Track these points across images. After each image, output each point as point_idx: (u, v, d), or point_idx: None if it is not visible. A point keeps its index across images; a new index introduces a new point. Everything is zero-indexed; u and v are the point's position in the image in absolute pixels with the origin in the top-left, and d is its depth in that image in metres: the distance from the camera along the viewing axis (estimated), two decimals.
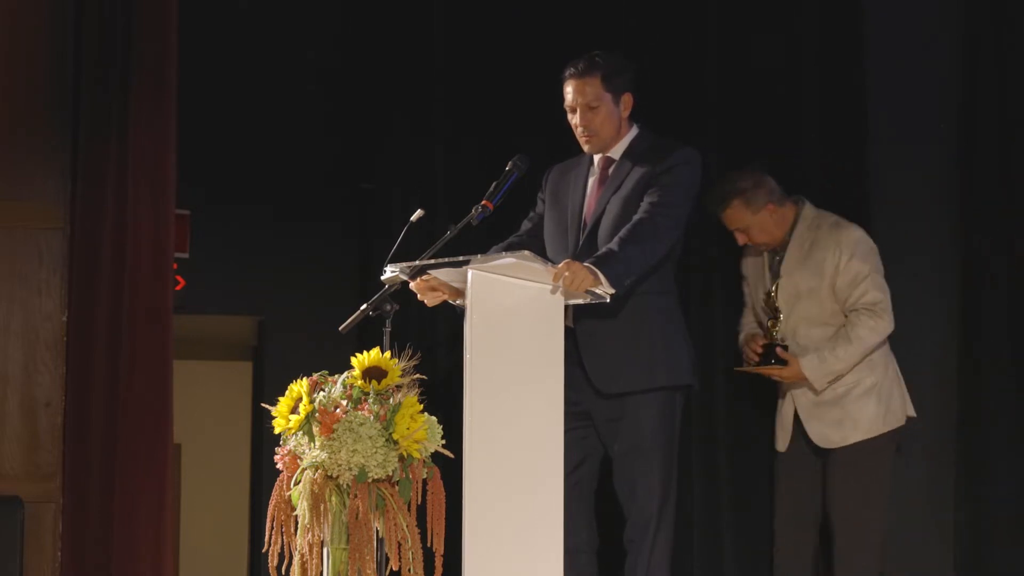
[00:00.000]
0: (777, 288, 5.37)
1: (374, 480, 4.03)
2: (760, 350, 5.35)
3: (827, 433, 5.31)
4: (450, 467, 4.23)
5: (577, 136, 4.82)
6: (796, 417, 5.36)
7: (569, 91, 4.79)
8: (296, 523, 4.09)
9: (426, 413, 4.11)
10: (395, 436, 4.04)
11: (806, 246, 5.37)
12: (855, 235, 5.33)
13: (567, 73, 4.80)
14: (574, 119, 4.81)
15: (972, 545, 5.70)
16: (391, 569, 4.05)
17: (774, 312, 5.37)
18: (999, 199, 5.89)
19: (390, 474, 4.04)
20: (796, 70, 6.02)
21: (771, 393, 5.95)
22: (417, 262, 4.43)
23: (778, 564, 5.43)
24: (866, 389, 5.31)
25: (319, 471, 4.04)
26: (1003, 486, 5.77)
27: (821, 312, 5.34)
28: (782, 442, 5.41)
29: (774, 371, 5.32)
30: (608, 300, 4.44)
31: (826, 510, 5.35)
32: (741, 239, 5.42)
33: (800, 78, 6.02)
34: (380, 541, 4.08)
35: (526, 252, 4.28)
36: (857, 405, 5.30)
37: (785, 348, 5.32)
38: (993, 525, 5.75)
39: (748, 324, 5.57)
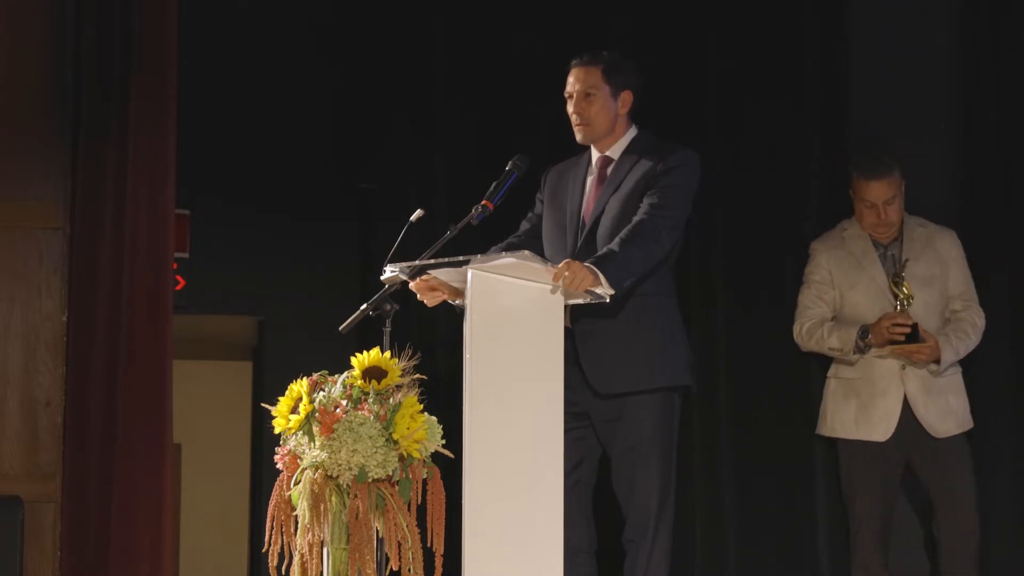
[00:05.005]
0: (905, 271, 5.42)
1: (374, 480, 4.03)
2: (906, 329, 5.34)
3: (934, 423, 5.40)
4: (450, 467, 4.23)
5: (572, 125, 4.83)
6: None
7: (570, 78, 4.82)
8: (296, 523, 4.08)
9: (426, 413, 4.11)
10: (395, 436, 4.03)
11: (923, 238, 5.51)
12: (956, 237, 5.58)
13: (572, 62, 4.83)
14: (570, 107, 4.82)
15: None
16: (391, 569, 4.05)
17: (905, 295, 5.39)
18: (999, 199, 5.89)
19: (390, 474, 4.04)
20: (796, 71, 6.02)
21: (772, 394, 5.95)
22: (417, 262, 4.42)
23: (864, 552, 5.46)
24: (959, 384, 5.48)
25: (319, 471, 4.04)
26: (1004, 488, 5.77)
27: (940, 299, 5.49)
28: (884, 431, 5.41)
29: (912, 348, 5.35)
30: (608, 300, 4.44)
31: (928, 497, 5.47)
32: (873, 217, 5.47)
33: (800, 79, 6.02)
34: (380, 541, 4.08)
35: (526, 252, 4.28)
36: (957, 398, 5.46)
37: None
38: (994, 526, 5.75)
39: (818, 315, 5.55)
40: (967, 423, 5.48)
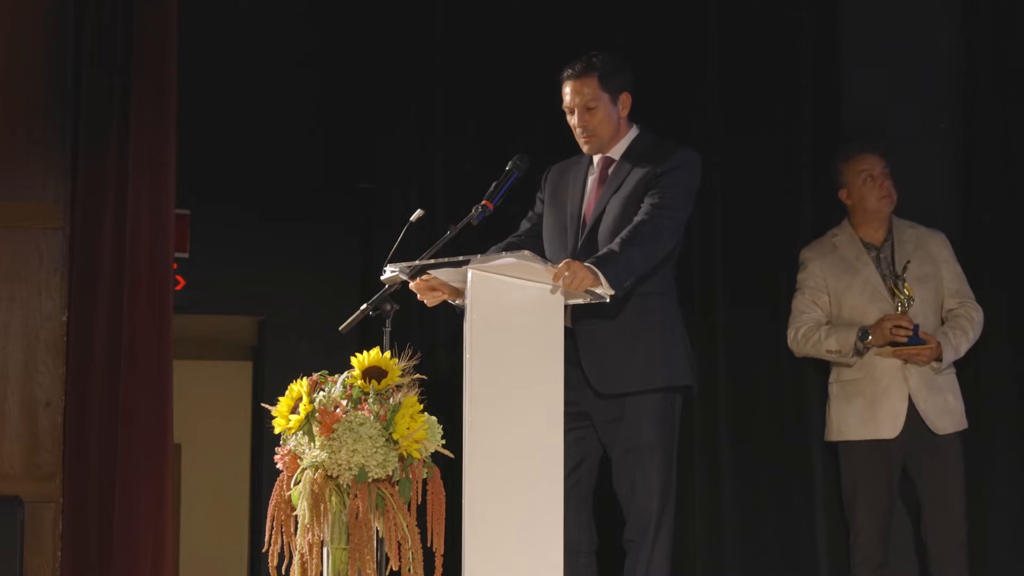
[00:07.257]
0: (906, 273, 5.43)
1: (374, 480, 4.03)
2: (908, 331, 5.37)
3: (935, 419, 5.41)
4: (450, 467, 4.23)
5: (576, 137, 4.82)
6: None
7: (567, 92, 4.80)
8: (296, 523, 4.09)
9: (426, 413, 4.11)
10: (395, 436, 4.04)
11: (914, 239, 5.54)
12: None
13: (564, 75, 4.80)
14: (573, 120, 4.81)
15: (976, 547, 5.69)
16: (391, 569, 4.05)
17: (906, 296, 5.41)
18: (999, 199, 5.89)
19: (390, 474, 4.04)
20: (795, 72, 6.03)
21: (772, 394, 5.95)
22: (417, 262, 4.42)
23: (865, 551, 5.45)
24: (956, 384, 5.49)
25: (319, 471, 4.04)
26: (1004, 489, 5.77)
27: (935, 297, 5.52)
28: (891, 428, 5.40)
29: (914, 351, 5.37)
30: (608, 300, 4.44)
31: (917, 496, 5.46)
32: (876, 189, 5.51)
33: (798, 80, 6.03)
34: (380, 541, 4.08)
35: (526, 252, 4.28)
36: (955, 398, 5.47)
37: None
38: (995, 527, 5.75)
39: (813, 319, 5.56)
40: (963, 423, 5.48)
